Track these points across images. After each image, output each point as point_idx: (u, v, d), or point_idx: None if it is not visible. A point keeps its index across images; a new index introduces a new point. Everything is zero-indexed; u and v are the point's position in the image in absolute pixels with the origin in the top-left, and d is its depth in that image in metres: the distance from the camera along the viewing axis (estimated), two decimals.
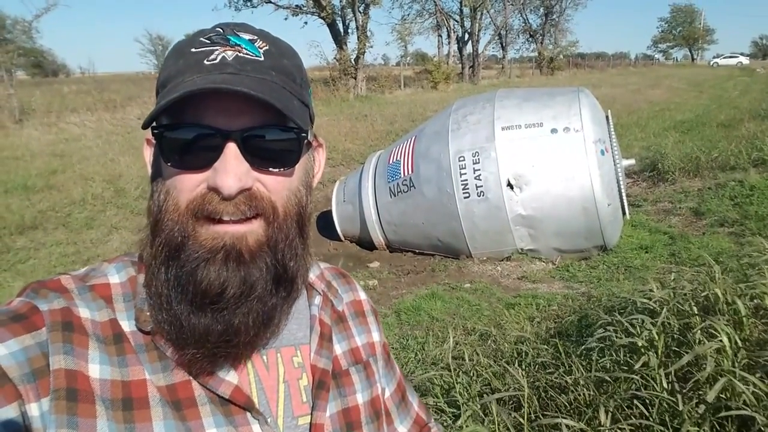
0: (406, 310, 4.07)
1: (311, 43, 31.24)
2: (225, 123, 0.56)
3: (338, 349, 0.72)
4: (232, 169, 0.56)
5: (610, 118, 5.06)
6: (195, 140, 0.57)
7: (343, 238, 5.87)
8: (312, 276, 0.74)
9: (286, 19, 21.61)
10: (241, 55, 0.59)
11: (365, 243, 5.70)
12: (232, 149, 0.56)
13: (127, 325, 0.60)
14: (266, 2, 20.86)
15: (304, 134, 0.61)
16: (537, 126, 4.72)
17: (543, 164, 4.63)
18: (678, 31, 65.50)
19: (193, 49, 0.59)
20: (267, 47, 0.61)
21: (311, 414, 0.65)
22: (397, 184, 5.23)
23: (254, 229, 0.58)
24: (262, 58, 0.60)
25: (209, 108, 0.56)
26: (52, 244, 5.78)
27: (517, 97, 5.14)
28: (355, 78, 20.29)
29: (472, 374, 2.43)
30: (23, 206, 6.71)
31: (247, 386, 0.62)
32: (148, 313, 0.60)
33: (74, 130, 11.47)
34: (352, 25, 21.00)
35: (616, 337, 2.15)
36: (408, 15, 33.03)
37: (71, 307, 0.57)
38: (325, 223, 6.20)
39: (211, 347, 0.58)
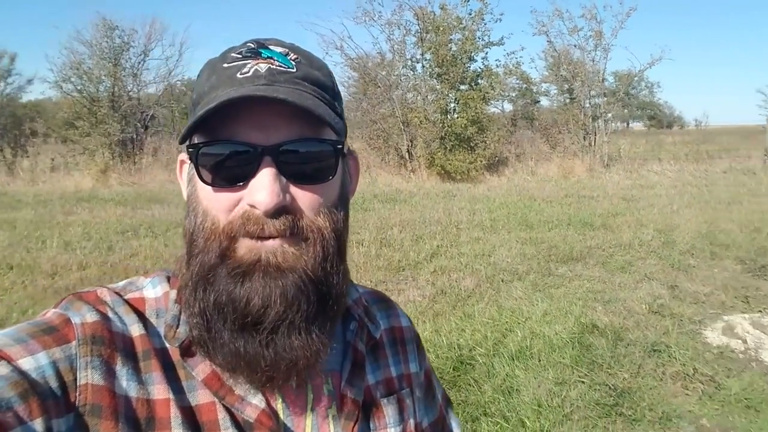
0: None
1: None
2: (260, 138, 0.56)
3: (371, 378, 0.70)
4: (269, 185, 0.54)
5: None
6: (230, 157, 0.56)
7: None
8: (348, 300, 0.70)
9: None
10: (274, 67, 0.58)
11: None
12: (268, 165, 0.55)
13: (157, 342, 0.59)
14: None
15: (340, 145, 0.59)
16: None
17: None
18: None
19: (225, 65, 0.59)
20: (299, 59, 0.61)
21: None
22: None
23: (292, 244, 0.56)
24: (295, 69, 0.59)
25: (243, 122, 0.56)
26: (585, 279, 6.09)
27: None
28: None
29: None
30: (576, 239, 7.42)
31: (273, 411, 0.60)
32: (176, 330, 0.59)
33: (652, 178, 11.74)
34: None
35: None
36: None
37: (104, 320, 0.57)
38: None
39: (261, 373, 0.56)
